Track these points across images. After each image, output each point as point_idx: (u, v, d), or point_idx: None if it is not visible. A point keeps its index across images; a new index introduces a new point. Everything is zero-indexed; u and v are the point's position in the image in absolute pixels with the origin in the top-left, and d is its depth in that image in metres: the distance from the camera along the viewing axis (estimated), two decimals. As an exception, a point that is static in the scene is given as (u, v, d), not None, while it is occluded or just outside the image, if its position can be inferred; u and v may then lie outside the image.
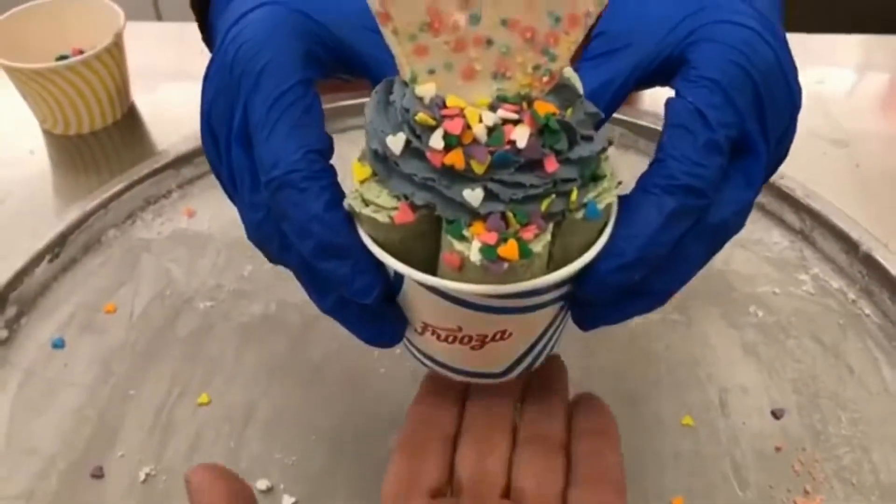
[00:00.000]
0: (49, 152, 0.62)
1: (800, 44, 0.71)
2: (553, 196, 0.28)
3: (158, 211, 0.57)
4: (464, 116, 0.27)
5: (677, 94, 0.31)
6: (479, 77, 0.28)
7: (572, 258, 0.29)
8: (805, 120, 0.63)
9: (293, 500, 0.42)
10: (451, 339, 0.32)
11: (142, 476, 0.43)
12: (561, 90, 0.29)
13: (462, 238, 0.28)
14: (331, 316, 0.33)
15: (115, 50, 0.60)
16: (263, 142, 0.30)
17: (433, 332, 0.32)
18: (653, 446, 0.44)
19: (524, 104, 0.28)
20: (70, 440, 0.45)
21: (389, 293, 0.32)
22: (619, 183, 0.30)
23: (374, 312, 0.32)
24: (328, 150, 0.31)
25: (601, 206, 0.29)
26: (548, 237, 0.28)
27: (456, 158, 0.27)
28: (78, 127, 0.62)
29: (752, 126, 0.31)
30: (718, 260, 0.53)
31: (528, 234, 0.27)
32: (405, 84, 0.29)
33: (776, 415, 0.45)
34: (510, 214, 0.27)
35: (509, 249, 0.27)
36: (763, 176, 0.32)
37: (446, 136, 0.27)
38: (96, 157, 0.61)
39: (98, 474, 0.43)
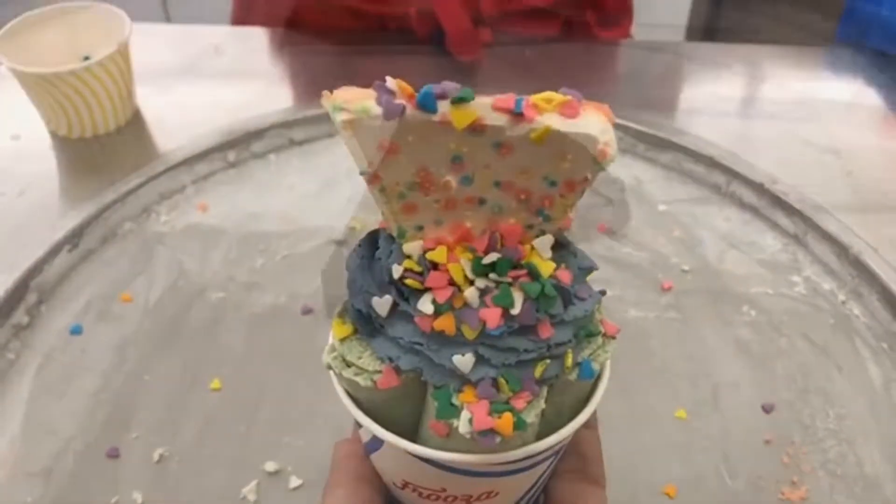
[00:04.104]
0: (56, 153, 0.63)
1: (796, 55, 0.73)
2: (547, 361, 0.26)
3: (173, 205, 0.59)
4: (454, 283, 0.25)
5: None
6: (469, 234, 0.27)
7: (564, 416, 0.28)
8: (800, 129, 0.65)
9: (300, 482, 0.44)
10: (433, 497, 0.29)
11: (156, 457, 0.45)
12: (554, 247, 0.27)
13: (450, 407, 0.26)
14: None
15: (120, 58, 0.61)
16: None
17: (414, 490, 0.30)
18: (646, 438, 0.46)
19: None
20: (87, 422, 0.46)
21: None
22: (614, 338, 0.29)
23: None
24: None
25: (595, 365, 0.27)
26: (542, 404, 0.26)
27: (446, 324, 0.25)
28: (81, 131, 0.63)
29: None
30: (714, 261, 0.55)
31: (520, 403, 0.25)
32: (391, 239, 0.27)
33: (766, 409, 0.47)
34: (502, 380, 0.25)
35: (503, 424, 0.25)
36: None
37: (435, 302, 0.25)
38: (98, 160, 0.62)
39: (114, 454, 0.45)
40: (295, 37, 0.75)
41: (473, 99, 0.23)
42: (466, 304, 0.25)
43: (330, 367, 0.28)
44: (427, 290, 0.25)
